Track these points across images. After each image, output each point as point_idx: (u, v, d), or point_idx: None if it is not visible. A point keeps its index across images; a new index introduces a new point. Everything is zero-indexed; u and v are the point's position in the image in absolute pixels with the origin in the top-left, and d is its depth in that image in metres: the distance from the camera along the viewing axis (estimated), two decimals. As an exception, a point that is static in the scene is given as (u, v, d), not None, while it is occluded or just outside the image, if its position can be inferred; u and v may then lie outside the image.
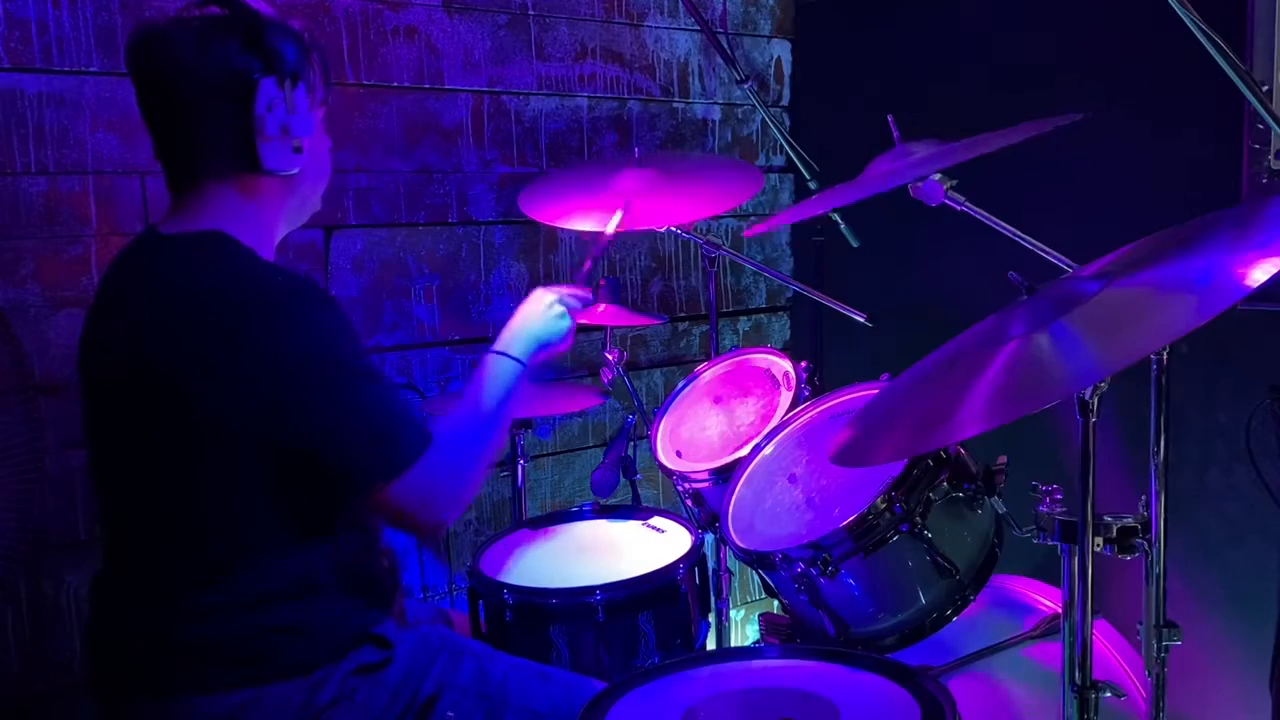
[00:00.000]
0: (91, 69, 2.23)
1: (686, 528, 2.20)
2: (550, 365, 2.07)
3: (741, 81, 2.49)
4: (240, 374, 1.47)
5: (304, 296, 1.53)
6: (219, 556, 1.54)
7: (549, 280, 2.92)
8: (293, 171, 1.60)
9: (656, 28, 3.07)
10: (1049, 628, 1.94)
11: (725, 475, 2.09)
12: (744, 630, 3.26)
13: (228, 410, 1.48)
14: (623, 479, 2.35)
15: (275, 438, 1.50)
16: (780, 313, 3.45)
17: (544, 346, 1.80)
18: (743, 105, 3.26)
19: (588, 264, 2.10)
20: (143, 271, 1.58)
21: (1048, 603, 2.02)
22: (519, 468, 2.49)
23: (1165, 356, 1.44)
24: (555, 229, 2.92)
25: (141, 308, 1.53)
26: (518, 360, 1.75)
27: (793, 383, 2.24)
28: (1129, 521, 1.44)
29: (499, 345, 1.76)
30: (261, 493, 1.53)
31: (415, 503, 1.54)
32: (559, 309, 1.83)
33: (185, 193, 1.59)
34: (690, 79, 3.15)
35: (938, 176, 1.83)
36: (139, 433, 1.54)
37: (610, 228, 2.16)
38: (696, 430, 2.33)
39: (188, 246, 1.55)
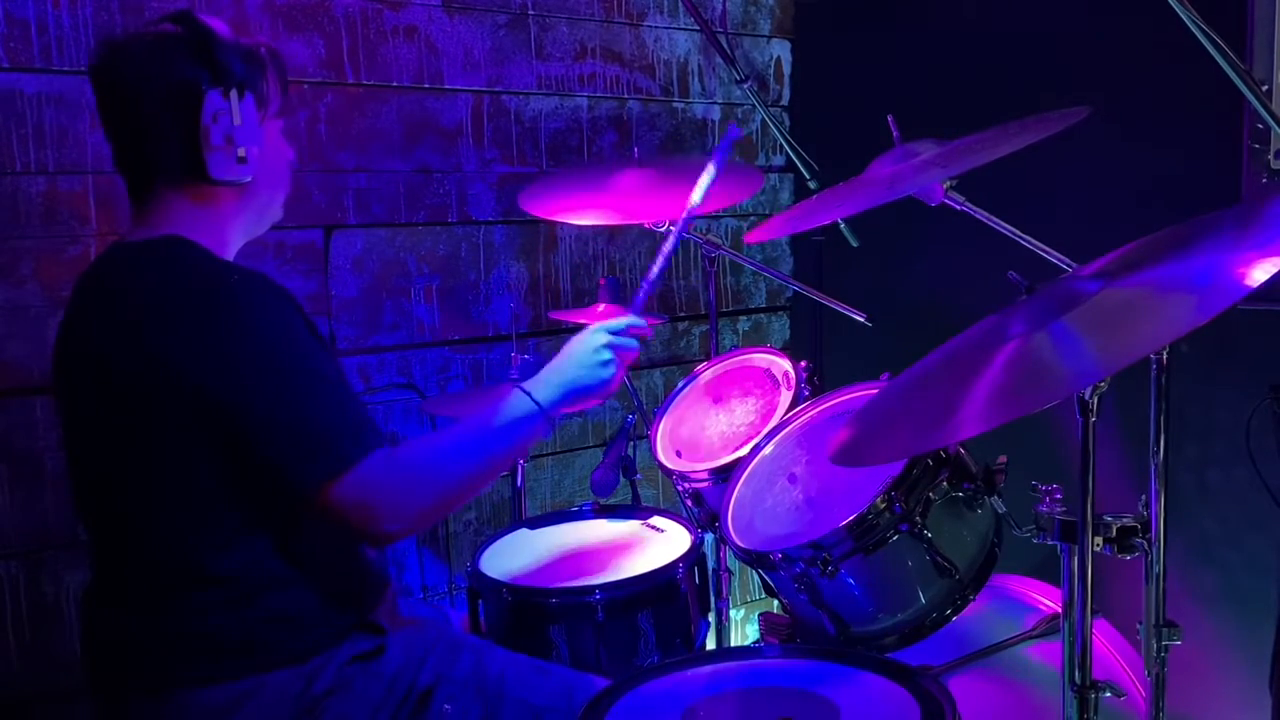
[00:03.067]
0: (91, 69, 2.23)
1: (686, 527, 2.20)
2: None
3: (741, 81, 2.49)
4: (187, 371, 1.48)
5: (251, 291, 1.54)
6: (200, 553, 1.54)
7: (548, 280, 2.93)
8: (242, 180, 1.61)
9: (656, 27, 3.07)
10: (1049, 627, 1.94)
11: (725, 475, 2.09)
12: (744, 630, 3.26)
13: (180, 408, 1.49)
14: (622, 479, 2.34)
15: (225, 434, 1.50)
16: (780, 312, 3.45)
17: (576, 395, 1.69)
18: (742, 105, 3.26)
19: (645, 286, 1.84)
20: (104, 279, 1.60)
21: (1048, 602, 2.02)
22: (519, 468, 2.49)
23: (1165, 356, 1.44)
24: (555, 229, 2.92)
25: (99, 315, 1.56)
26: (537, 404, 1.65)
27: (792, 382, 2.24)
28: (1129, 521, 1.44)
29: (528, 382, 1.68)
30: (234, 487, 1.54)
31: (353, 507, 1.49)
32: (605, 355, 1.71)
33: (145, 203, 1.62)
34: (690, 79, 3.15)
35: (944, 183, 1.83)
36: (107, 436, 1.56)
37: (691, 202, 1.88)
38: (696, 430, 2.33)
39: (145, 251, 1.58)
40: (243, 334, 1.51)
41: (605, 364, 1.71)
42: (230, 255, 1.66)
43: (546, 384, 1.68)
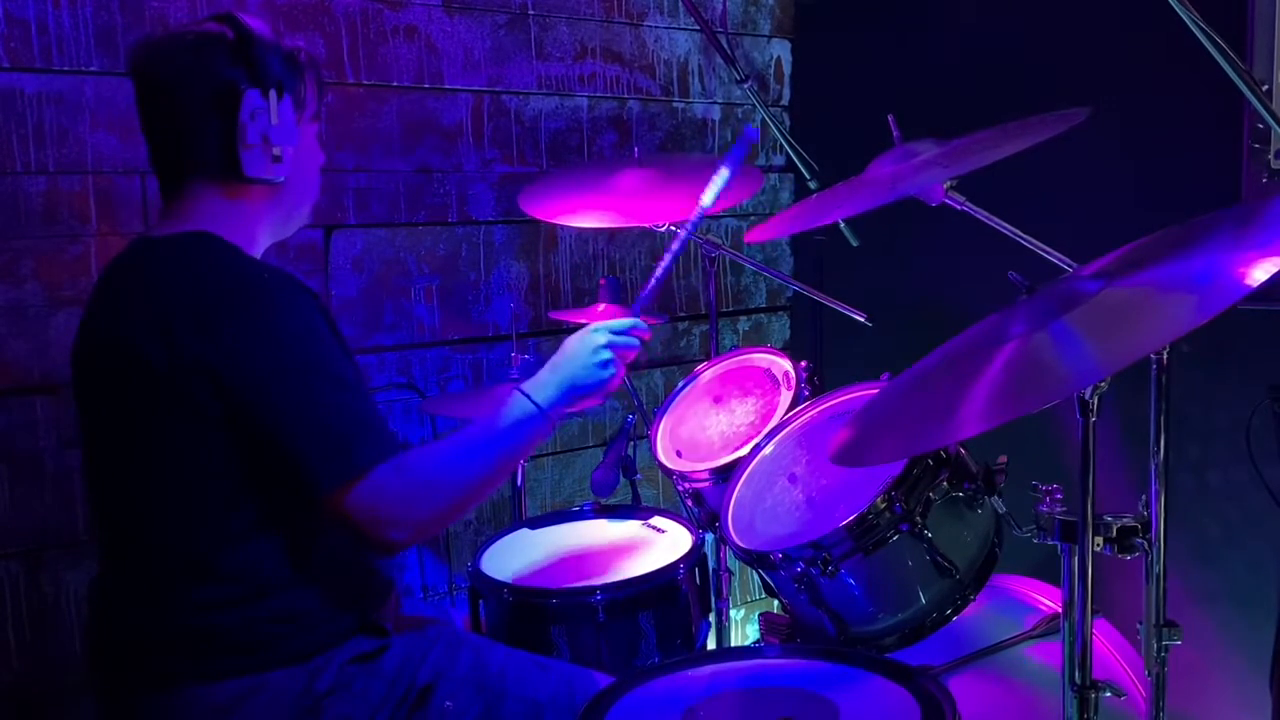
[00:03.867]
0: (91, 69, 2.23)
1: (687, 527, 2.20)
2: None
3: (741, 81, 2.49)
4: (212, 367, 1.49)
5: (281, 291, 1.55)
6: (210, 549, 1.55)
7: (548, 279, 2.93)
8: (275, 180, 1.62)
9: (656, 27, 3.07)
10: (1049, 627, 1.94)
11: (725, 475, 2.09)
12: (744, 630, 3.26)
13: (204, 403, 1.50)
14: (623, 479, 2.34)
15: (246, 432, 1.52)
16: (780, 312, 3.45)
17: (575, 395, 1.68)
18: (743, 105, 3.26)
19: (651, 282, 1.82)
20: (130, 273, 1.61)
21: (1048, 602, 2.02)
22: (519, 468, 2.49)
23: (1165, 356, 1.44)
24: (555, 229, 2.92)
25: (128, 306, 1.57)
26: (537, 405, 1.65)
27: (793, 382, 2.24)
28: (1129, 521, 1.44)
29: (526, 384, 1.67)
30: (247, 486, 1.55)
31: (363, 516, 1.51)
32: (604, 355, 1.70)
33: (175, 199, 1.63)
34: (690, 78, 3.15)
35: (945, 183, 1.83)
36: (127, 429, 1.57)
37: (701, 204, 1.82)
38: (696, 430, 2.33)
39: (173, 246, 1.59)
40: (272, 333, 1.52)
41: (604, 364, 1.70)
42: (257, 255, 1.66)
43: (545, 384, 1.68)
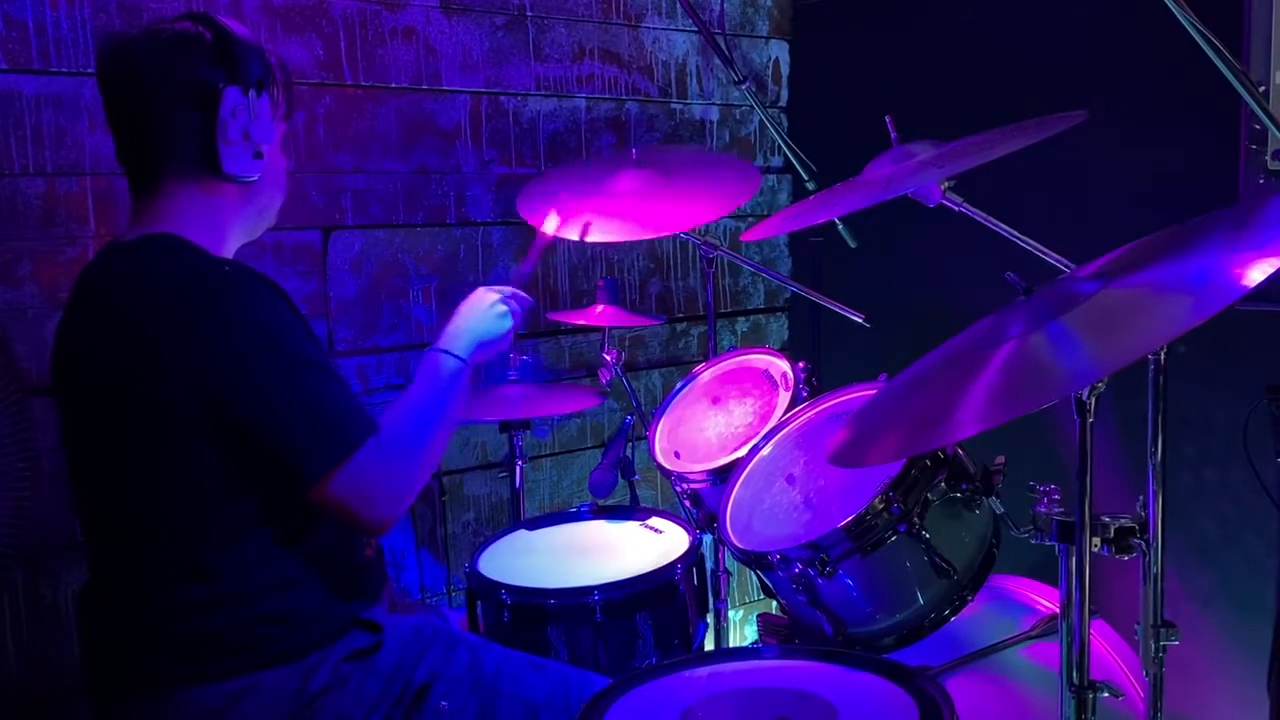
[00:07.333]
0: (89, 70, 2.23)
1: (684, 528, 2.20)
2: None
3: (739, 82, 2.49)
4: (185, 366, 1.50)
5: (244, 285, 1.56)
6: (199, 553, 1.55)
7: (546, 280, 2.92)
8: (251, 177, 1.63)
9: (654, 29, 3.08)
10: (1047, 628, 1.94)
11: (723, 476, 2.10)
12: (742, 631, 3.26)
13: (181, 404, 1.50)
14: (621, 480, 2.35)
15: (226, 430, 1.52)
16: (778, 313, 3.45)
17: (485, 345, 1.80)
18: (741, 106, 3.26)
19: (526, 267, 2.08)
20: (100, 278, 1.61)
21: (1046, 603, 2.02)
22: (517, 469, 2.49)
23: (1163, 357, 1.44)
24: (553, 229, 2.91)
25: (98, 313, 1.57)
26: (459, 358, 1.74)
27: (791, 383, 2.24)
28: (1126, 522, 1.44)
29: (441, 343, 1.76)
30: (233, 487, 1.55)
31: (355, 497, 1.54)
32: (501, 309, 1.85)
33: (146, 198, 1.63)
34: (688, 80, 3.15)
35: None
36: (106, 436, 1.57)
37: (548, 228, 2.11)
38: (694, 431, 2.33)
39: (140, 249, 1.59)
40: (238, 326, 1.52)
41: (503, 316, 1.84)
42: (229, 255, 1.67)
43: (460, 339, 1.76)
